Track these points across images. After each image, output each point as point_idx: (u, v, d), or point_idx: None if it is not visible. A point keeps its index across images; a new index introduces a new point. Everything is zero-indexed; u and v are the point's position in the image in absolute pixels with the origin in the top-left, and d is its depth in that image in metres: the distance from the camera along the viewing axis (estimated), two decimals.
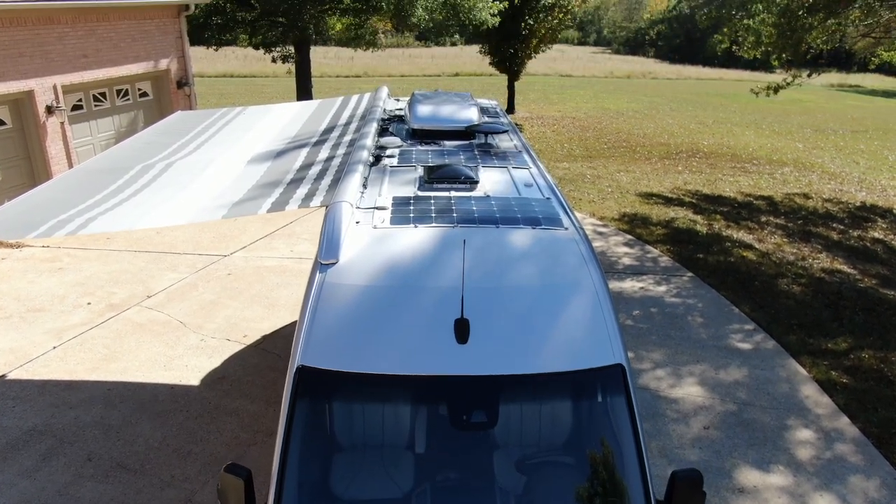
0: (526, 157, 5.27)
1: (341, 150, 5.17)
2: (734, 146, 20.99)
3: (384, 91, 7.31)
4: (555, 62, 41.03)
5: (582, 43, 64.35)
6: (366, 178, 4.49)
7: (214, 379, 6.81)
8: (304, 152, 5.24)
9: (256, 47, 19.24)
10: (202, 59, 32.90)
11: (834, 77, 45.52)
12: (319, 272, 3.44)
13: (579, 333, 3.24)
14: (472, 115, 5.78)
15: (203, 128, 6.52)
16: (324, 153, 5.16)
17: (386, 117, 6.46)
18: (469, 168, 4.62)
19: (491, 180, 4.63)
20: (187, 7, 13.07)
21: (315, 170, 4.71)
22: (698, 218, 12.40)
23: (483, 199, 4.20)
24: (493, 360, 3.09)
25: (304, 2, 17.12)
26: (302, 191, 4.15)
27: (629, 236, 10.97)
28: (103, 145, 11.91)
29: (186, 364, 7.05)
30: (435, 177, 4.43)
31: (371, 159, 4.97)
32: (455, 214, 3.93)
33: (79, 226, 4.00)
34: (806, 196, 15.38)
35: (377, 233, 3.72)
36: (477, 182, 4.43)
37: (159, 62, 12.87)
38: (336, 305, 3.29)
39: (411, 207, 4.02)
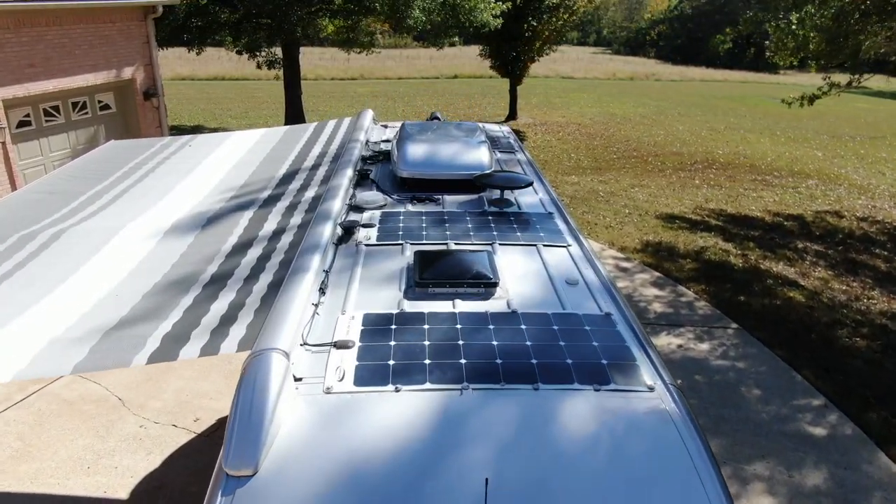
0: (560, 223, 3.66)
1: (297, 218, 3.56)
2: (751, 155, 19.38)
3: (367, 117, 5.68)
4: (555, 63, 39.35)
5: (581, 43, 62.62)
6: (326, 275, 2.89)
7: (149, 489, 5.20)
8: (245, 219, 3.63)
9: (240, 52, 17.58)
10: (193, 60, 31.28)
11: (840, 78, 43.89)
12: (222, 493, 1.85)
13: None
14: (481, 158, 4.17)
15: (130, 168, 4.92)
16: (272, 222, 3.55)
17: (368, 155, 4.84)
18: (483, 255, 3.01)
19: (516, 274, 3.02)
20: (154, 9, 11.42)
21: (252, 255, 3.10)
22: (730, 247, 10.79)
23: (508, 319, 2.59)
24: None
25: (290, 3, 15.48)
26: (216, 311, 2.55)
27: (656, 273, 9.36)
28: (56, 165, 10.28)
29: (117, 465, 5.44)
30: (431, 276, 2.82)
31: (339, 232, 3.37)
32: (463, 359, 2.33)
33: None
34: (838, 215, 13.79)
35: (330, 405, 2.12)
36: (496, 283, 2.82)
37: (122, 71, 11.22)
38: None
39: (392, 344, 2.41)
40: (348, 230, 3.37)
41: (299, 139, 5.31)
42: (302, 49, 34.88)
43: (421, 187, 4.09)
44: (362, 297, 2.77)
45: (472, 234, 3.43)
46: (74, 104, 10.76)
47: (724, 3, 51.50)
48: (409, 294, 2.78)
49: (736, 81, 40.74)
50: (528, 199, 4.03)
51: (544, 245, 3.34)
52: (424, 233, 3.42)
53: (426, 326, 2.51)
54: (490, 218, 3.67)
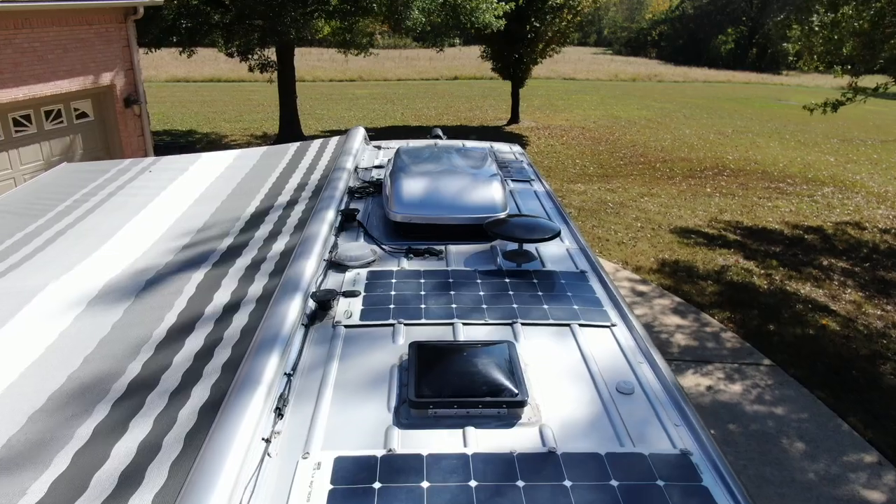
0: (597, 287, 2.83)
1: (258, 285, 2.73)
2: (762, 161, 18.54)
3: (357, 137, 4.85)
4: (556, 64, 38.52)
5: (582, 43, 61.76)
6: (287, 384, 2.07)
7: None
8: (192, 284, 2.80)
9: (231, 54, 16.73)
10: (190, 62, 30.41)
11: (844, 80, 43.03)
12: None
13: None
14: (493, 197, 3.34)
15: (75, 201, 4.10)
16: (225, 290, 2.72)
17: (356, 187, 4.02)
18: (502, 349, 2.18)
19: (548, 377, 2.19)
20: (135, 10, 10.58)
21: (189, 349, 2.27)
22: (752, 265, 9.96)
23: (543, 466, 1.77)
24: None
25: (284, 3, 14.64)
26: (117, 459, 1.72)
27: (676, 298, 8.53)
28: (28, 177, 9.45)
29: None
30: (433, 392, 1.99)
31: (312, 306, 2.55)
32: None
33: None
34: (859, 226, 12.96)
35: None
36: (523, 402, 2.00)
37: (100, 76, 10.39)
38: None
39: None
40: (324, 303, 2.55)
41: (276, 166, 4.48)
42: (299, 50, 34.15)
43: (419, 234, 3.27)
44: (336, 421, 1.95)
45: (485, 306, 2.61)
46: (48, 113, 9.92)
47: (725, 4, 50.71)
48: (403, 417, 1.96)
49: (739, 83, 39.88)
50: (553, 248, 3.21)
51: (581, 325, 2.51)
52: (423, 305, 2.60)
53: (424, 484, 1.69)
54: (507, 280, 2.84)
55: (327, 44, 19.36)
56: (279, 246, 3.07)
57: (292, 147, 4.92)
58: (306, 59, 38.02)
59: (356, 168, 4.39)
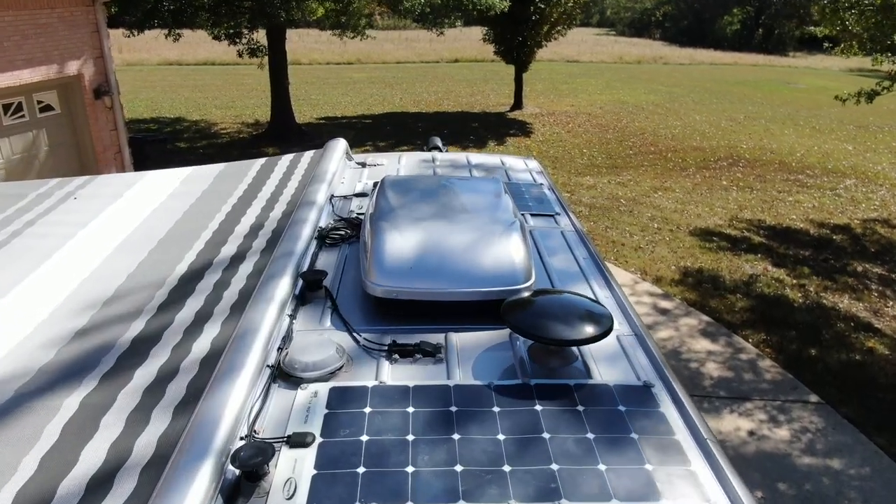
0: (674, 418, 1.87)
1: (149, 434, 1.74)
2: (778, 150, 17.48)
3: (335, 154, 3.83)
4: (559, 46, 37.16)
5: (584, 24, 60.16)
6: None
7: None
8: (67, 408, 1.83)
9: (218, 38, 15.61)
10: (182, 44, 29.16)
11: (852, 61, 41.72)
12: None
13: None
14: (511, 261, 2.33)
15: None
16: (95, 451, 1.71)
17: (329, 227, 3.03)
18: None
19: None
20: None
21: None
22: (782, 274, 8.98)
23: None
24: None
25: None
26: None
27: (704, 316, 7.56)
28: None
29: None
30: None
31: (232, 476, 1.58)
32: None
33: None
34: (888, 224, 11.97)
35: None
36: None
37: (66, 65, 9.33)
38: None
39: None
40: (250, 472, 1.58)
41: (230, 193, 3.48)
42: (296, 31, 32.78)
43: (408, 314, 2.29)
44: None
45: (507, 468, 1.63)
46: (6, 106, 8.88)
47: None
48: None
49: (747, 65, 38.54)
50: (606, 353, 2.22)
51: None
52: (410, 462, 1.63)
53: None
54: (538, 407, 1.87)
55: (322, 25, 18.21)
56: (202, 344, 2.09)
57: (255, 166, 3.91)
58: (303, 41, 36.76)
59: (331, 197, 3.39)
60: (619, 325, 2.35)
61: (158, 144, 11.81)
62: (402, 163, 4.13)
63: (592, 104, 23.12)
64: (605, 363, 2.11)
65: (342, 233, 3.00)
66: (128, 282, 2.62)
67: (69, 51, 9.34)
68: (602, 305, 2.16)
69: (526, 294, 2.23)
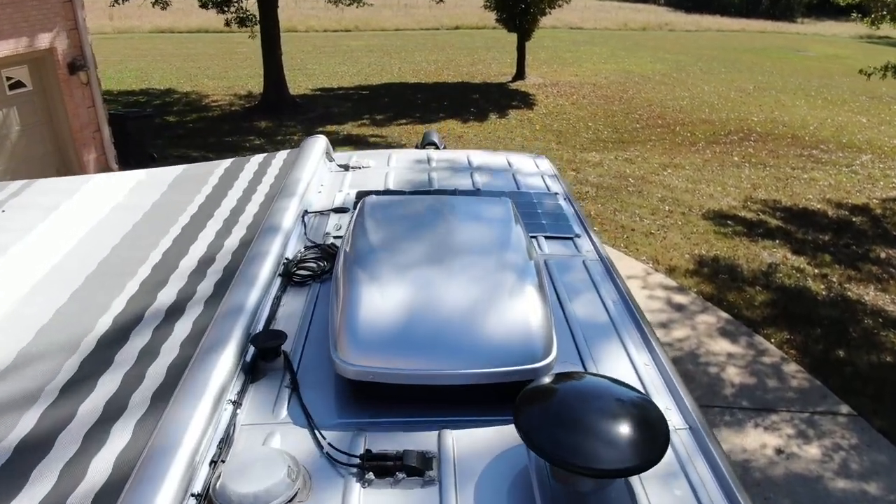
0: None
1: None
2: (790, 123, 16.75)
3: (313, 156, 3.21)
4: (562, 12, 35.95)
5: None
6: None
7: None
8: None
9: (206, 6, 14.79)
10: (175, 11, 28.16)
11: (862, 29, 40.53)
12: None
13: None
14: (528, 325, 1.74)
15: None
16: None
17: (297, 258, 2.44)
18: None
19: None
20: None
21: None
22: (802, 262, 8.39)
23: None
24: None
25: None
26: None
27: (721, 312, 6.99)
28: None
29: None
30: None
31: None
32: None
33: None
34: None
35: None
36: None
37: (36, 38, 8.62)
38: None
39: None
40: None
41: (183, 209, 2.88)
42: None
43: (392, 403, 1.73)
44: None
45: None
46: None
47: None
48: None
49: (755, 31, 37.37)
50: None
51: None
52: None
53: None
54: None
55: None
56: (102, 464, 1.52)
57: (218, 170, 3.30)
58: (300, 7, 35.62)
59: (304, 214, 2.80)
60: (668, 410, 1.78)
61: (143, 120, 11.10)
62: (392, 164, 3.52)
63: (597, 74, 22.26)
64: (657, 483, 1.54)
65: (313, 266, 2.41)
66: (35, 342, 2.04)
67: (39, 22, 8.62)
68: (651, 402, 1.57)
69: (546, 380, 1.65)
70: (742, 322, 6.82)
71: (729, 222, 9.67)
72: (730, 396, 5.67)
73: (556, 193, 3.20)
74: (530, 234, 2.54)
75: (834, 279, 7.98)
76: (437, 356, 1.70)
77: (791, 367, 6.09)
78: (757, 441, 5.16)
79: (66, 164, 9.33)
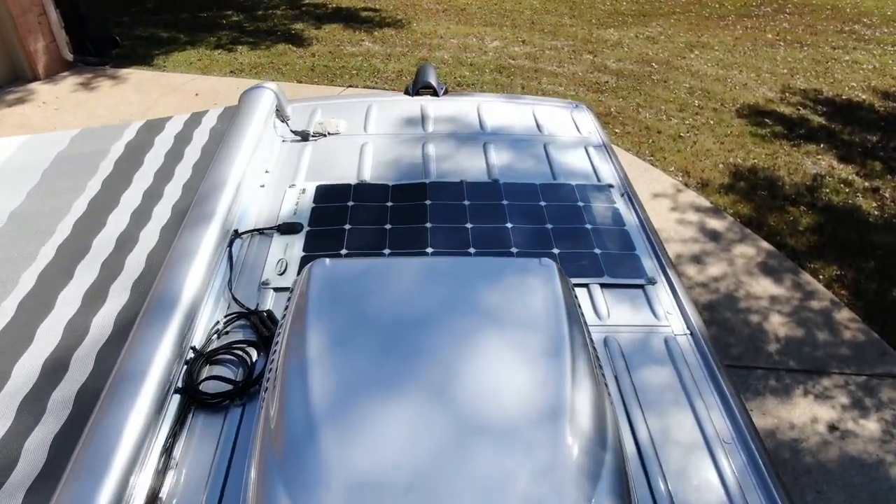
0: None
1: None
2: None
3: (250, 131, 2.14)
4: None
5: None
6: None
7: None
8: None
9: None
10: None
11: None
12: None
13: None
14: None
15: None
16: None
17: (211, 347, 1.50)
18: None
19: None
20: None
21: None
22: (851, 173, 7.33)
23: None
24: None
25: None
26: None
27: (762, 241, 6.05)
28: None
29: None
30: None
31: None
32: None
33: None
34: None
35: None
36: None
37: None
38: None
39: None
40: None
41: (44, 240, 1.87)
42: None
43: None
44: None
45: None
46: None
47: None
48: None
49: None
50: None
51: None
52: None
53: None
54: None
55: None
56: None
57: (112, 152, 2.22)
58: None
59: (233, 239, 1.80)
60: None
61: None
62: (372, 128, 2.45)
63: None
64: None
65: (233, 367, 1.46)
66: None
67: None
68: None
69: None
70: (786, 254, 5.91)
71: (766, 120, 8.48)
72: (774, 354, 4.88)
73: (610, 186, 2.17)
74: (577, 282, 1.58)
75: (887, 195, 6.97)
76: None
77: (843, 315, 5.26)
78: (807, 414, 4.43)
79: (10, 58, 8.03)
